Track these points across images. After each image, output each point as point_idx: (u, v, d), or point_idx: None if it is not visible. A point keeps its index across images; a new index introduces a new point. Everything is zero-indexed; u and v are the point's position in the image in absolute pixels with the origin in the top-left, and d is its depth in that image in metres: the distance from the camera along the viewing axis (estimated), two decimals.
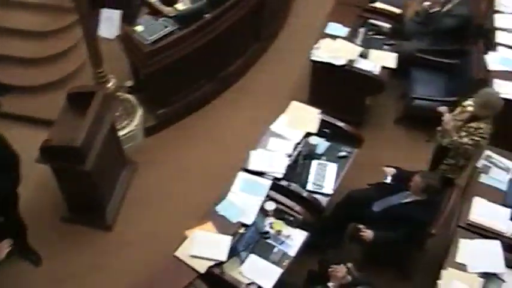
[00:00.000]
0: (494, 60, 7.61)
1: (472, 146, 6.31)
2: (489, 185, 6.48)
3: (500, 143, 6.79)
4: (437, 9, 8.15)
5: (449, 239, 6.22)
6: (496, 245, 6.00)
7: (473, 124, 6.29)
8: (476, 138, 6.26)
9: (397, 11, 8.05)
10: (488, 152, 6.66)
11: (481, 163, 6.59)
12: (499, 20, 8.10)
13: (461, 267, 5.88)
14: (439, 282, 5.76)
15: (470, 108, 6.38)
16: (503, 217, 6.19)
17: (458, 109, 6.54)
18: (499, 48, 7.80)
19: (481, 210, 6.22)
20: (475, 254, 5.93)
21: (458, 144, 6.35)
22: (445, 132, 6.43)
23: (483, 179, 6.52)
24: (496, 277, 5.87)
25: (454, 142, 6.37)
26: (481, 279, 5.81)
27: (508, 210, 6.24)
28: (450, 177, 6.67)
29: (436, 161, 6.81)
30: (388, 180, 6.53)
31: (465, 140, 6.30)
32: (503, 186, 6.47)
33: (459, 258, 5.94)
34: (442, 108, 6.48)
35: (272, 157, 6.39)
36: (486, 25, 8.27)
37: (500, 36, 7.93)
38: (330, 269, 5.63)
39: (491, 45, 7.83)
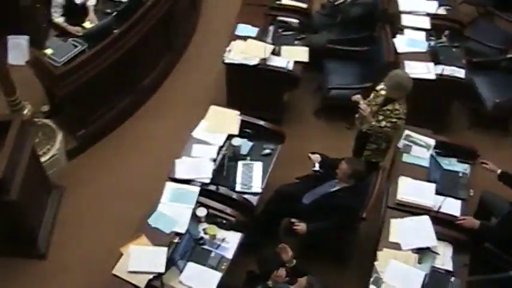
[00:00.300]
0: (402, 43, 7.85)
1: (391, 128, 6.48)
2: (412, 163, 6.68)
3: (416, 121, 6.99)
4: (342, 0, 8.29)
5: (381, 220, 6.38)
6: (425, 220, 6.18)
7: (388, 107, 6.46)
8: (394, 120, 6.44)
9: (304, 5, 8.19)
10: (407, 132, 6.85)
11: (401, 143, 6.78)
12: (403, 4, 8.33)
13: (395, 246, 6.05)
14: (375, 263, 5.90)
15: (383, 92, 6.55)
16: (428, 192, 6.37)
17: (372, 94, 6.70)
18: (406, 31, 8.05)
19: (407, 189, 6.39)
20: (407, 232, 6.10)
21: (377, 128, 6.51)
22: (363, 118, 6.58)
23: (405, 158, 6.72)
24: (430, 250, 6.05)
25: (373, 127, 6.53)
26: (416, 255, 5.99)
27: (433, 185, 6.43)
28: (375, 161, 6.83)
29: (358, 147, 6.97)
30: (317, 167, 6.59)
31: (383, 123, 6.46)
32: (426, 163, 6.67)
33: (392, 238, 6.10)
34: (355, 97, 6.63)
35: (197, 163, 6.40)
36: (391, 10, 8.49)
37: (405, 19, 8.18)
38: (272, 275, 5.67)
39: (398, 29, 8.05)
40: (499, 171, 6.54)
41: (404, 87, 6.37)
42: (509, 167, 7.75)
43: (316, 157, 6.63)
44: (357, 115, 6.70)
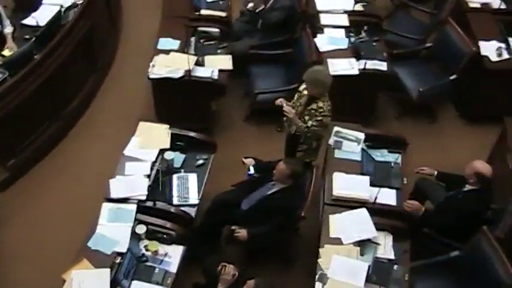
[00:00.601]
0: (323, 42, 7.96)
1: (318, 127, 6.56)
2: (344, 159, 6.77)
3: (344, 117, 7.10)
4: (262, 7, 8.34)
5: (320, 217, 6.45)
6: (363, 213, 6.27)
7: (312, 106, 6.53)
8: (319, 118, 6.51)
9: (223, 14, 8.21)
10: (336, 128, 6.93)
11: (332, 140, 6.86)
12: (320, 3, 8.44)
13: (337, 241, 6.11)
14: (319, 260, 5.95)
15: (306, 92, 6.63)
16: (363, 185, 6.47)
17: (296, 95, 6.77)
18: (326, 29, 8.17)
19: (342, 184, 6.47)
20: (346, 226, 6.18)
21: (304, 128, 6.58)
22: (290, 121, 6.65)
23: (338, 154, 6.80)
24: (371, 242, 6.14)
25: (301, 128, 6.60)
26: (358, 248, 6.07)
27: (366, 177, 6.54)
28: (308, 161, 6.90)
29: (290, 149, 7.03)
30: (252, 170, 6.64)
31: (310, 123, 6.54)
32: (358, 157, 6.77)
33: (333, 234, 6.16)
34: (278, 101, 6.70)
35: (132, 181, 6.34)
36: (309, 10, 8.61)
37: (324, 19, 8.29)
38: (219, 273, 5.70)
39: (318, 28, 8.16)
40: (435, 172, 6.75)
41: (322, 82, 6.45)
42: (437, 153, 8.06)
43: (250, 161, 6.67)
44: (284, 118, 6.76)
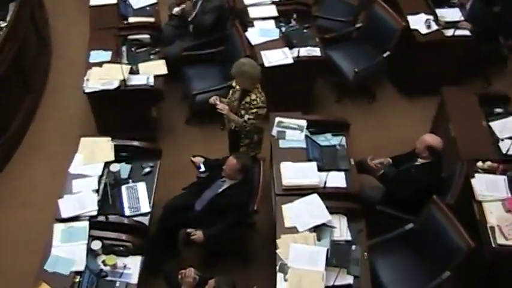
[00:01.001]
0: (254, 35, 7.97)
1: (255, 119, 6.60)
2: (290, 148, 6.79)
3: (284, 106, 7.15)
4: (194, 14, 8.29)
5: (273, 209, 6.48)
6: (315, 199, 6.33)
7: (246, 99, 6.58)
8: (254, 111, 6.56)
9: (151, 19, 8.14)
10: (278, 119, 6.95)
11: (275, 131, 6.88)
12: None
13: (293, 230, 6.15)
14: (277, 251, 5.98)
15: (238, 87, 6.67)
16: (311, 171, 6.51)
17: (230, 91, 6.81)
18: (255, 22, 8.17)
19: (291, 173, 6.50)
20: (300, 214, 6.22)
21: (242, 123, 6.62)
22: (228, 114, 6.68)
23: (282, 144, 6.82)
24: (326, 226, 6.20)
25: (238, 123, 6.64)
26: (314, 234, 6.12)
27: (313, 163, 6.58)
28: (253, 155, 6.93)
29: (233, 145, 7.06)
30: (202, 168, 6.63)
31: (246, 116, 6.58)
32: (302, 144, 6.80)
33: (288, 223, 6.20)
34: (212, 100, 6.74)
35: (81, 198, 6.25)
36: (237, 6, 8.61)
37: (252, 12, 8.28)
38: (179, 277, 5.68)
39: (248, 22, 8.17)
40: (389, 160, 6.83)
41: (249, 74, 6.49)
42: (380, 130, 8.18)
43: (199, 159, 6.69)
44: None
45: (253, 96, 6.54)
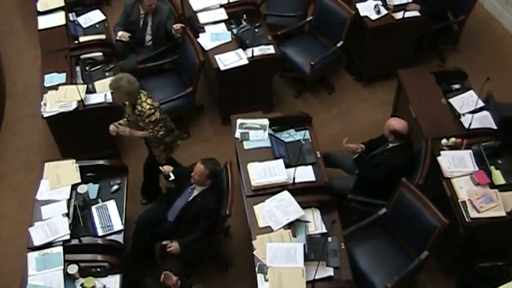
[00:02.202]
0: (206, 40, 7.93)
1: (155, 125, 6.62)
2: (255, 148, 6.78)
3: (244, 107, 7.18)
4: (150, 38, 8.27)
5: (246, 211, 6.45)
6: (285, 195, 6.33)
7: (136, 111, 6.63)
8: (147, 121, 6.59)
9: (102, 37, 8.08)
10: (240, 121, 6.93)
11: (238, 133, 6.86)
12: (194, 4, 8.40)
13: (267, 229, 6.16)
14: (254, 253, 5.98)
15: (126, 102, 6.73)
16: (279, 169, 6.51)
17: (125, 109, 6.85)
18: (206, 27, 8.14)
19: (259, 173, 6.49)
20: (273, 212, 6.23)
21: (150, 134, 6.68)
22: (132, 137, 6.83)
23: (247, 145, 6.81)
24: (300, 221, 6.20)
25: (147, 136, 6.73)
26: (288, 230, 6.14)
27: (280, 160, 6.57)
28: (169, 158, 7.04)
29: (149, 156, 7.12)
30: (172, 176, 6.58)
31: (147, 127, 6.65)
32: (267, 143, 6.79)
33: (261, 223, 6.20)
34: (112, 129, 6.72)
35: (51, 224, 6.17)
36: (186, 13, 8.61)
37: (202, 17, 8.25)
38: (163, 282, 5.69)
39: (199, 28, 8.15)
40: (362, 146, 6.84)
41: (125, 88, 6.47)
42: (342, 119, 8.24)
43: (167, 167, 6.62)
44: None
45: (139, 108, 6.58)
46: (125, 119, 6.83)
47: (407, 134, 6.53)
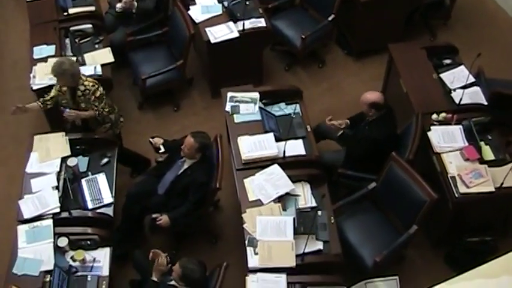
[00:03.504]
0: (197, 13, 7.87)
1: (101, 102, 6.63)
2: (245, 122, 6.79)
3: (234, 81, 7.18)
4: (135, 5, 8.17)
5: (236, 184, 6.46)
6: (275, 169, 6.35)
7: (78, 93, 6.59)
8: (93, 98, 6.58)
9: (92, 8, 7.98)
10: (230, 94, 6.92)
11: (228, 106, 6.85)
12: None
13: (257, 203, 6.18)
14: (244, 226, 6.01)
15: (64, 88, 6.65)
16: (269, 142, 6.52)
17: (60, 98, 6.74)
18: (197, 0, 8.06)
19: (249, 146, 6.50)
20: (262, 186, 6.25)
21: (96, 114, 6.66)
22: (79, 119, 6.80)
23: (237, 118, 6.80)
24: (290, 195, 6.23)
25: (92, 116, 6.68)
26: (278, 204, 6.16)
27: (270, 134, 6.58)
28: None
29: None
30: (162, 149, 6.59)
31: (94, 106, 6.62)
32: (257, 116, 6.79)
33: (251, 197, 6.23)
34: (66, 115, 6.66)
35: (41, 197, 6.17)
36: None
37: None
38: (154, 267, 5.70)
39: (190, 0, 8.07)
40: (347, 121, 6.88)
41: (70, 70, 6.41)
42: (333, 94, 8.23)
43: (158, 140, 6.63)
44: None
45: (82, 87, 6.55)
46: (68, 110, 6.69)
47: (386, 104, 6.55)
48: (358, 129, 6.74)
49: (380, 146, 6.42)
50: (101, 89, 6.58)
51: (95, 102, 6.55)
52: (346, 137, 6.77)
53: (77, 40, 7.74)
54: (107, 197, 6.29)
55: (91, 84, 6.54)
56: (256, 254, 5.82)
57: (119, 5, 8.11)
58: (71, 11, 7.97)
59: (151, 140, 6.65)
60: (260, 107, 6.84)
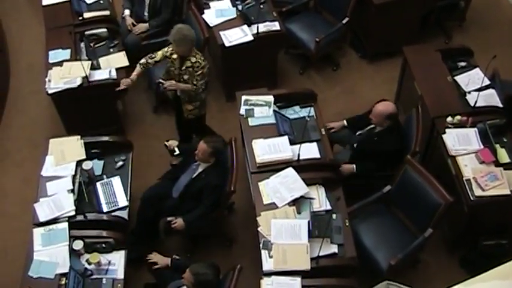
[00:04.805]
0: (211, 17, 7.89)
1: (203, 79, 6.77)
2: (259, 125, 6.77)
3: (249, 84, 7.20)
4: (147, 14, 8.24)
5: (251, 188, 6.47)
6: (290, 172, 6.32)
7: (187, 64, 6.71)
8: (199, 72, 6.74)
9: (106, 13, 8.03)
10: (245, 97, 6.93)
11: (243, 110, 6.85)
12: None
13: (272, 206, 6.16)
14: (259, 229, 6.00)
15: (175, 56, 6.79)
16: (284, 146, 6.50)
17: (168, 64, 6.95)
18: (211, 4, 8.07)
19: (263, 150, 6.48)
20: (277, 189, 6.22)
21: (193, 88, 6.77)
22: (177, 90, 6.93)
23: (252, 122, 6.79)
24: (304, 198, 6.21)
25: (189, 89, 6.79)
26: (293, 207, 6.14)
27: (285, 137, 6.56)
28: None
29: (179, 111, 7.23)
30: (177, 151, 6.65)
31: (195, 81, 6.74)
32: (272, 120, 6.77)
33: (266, 200, 6.21)
34: (161, 85, 6.88)
35: (56, 200, 6.20)
36: None
37: None
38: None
39: (204, 4, 8.09)
40: (344, 122, 6.91)
41: (189, 37, 6.61)
42: (347, 97, 8.22)
43: (173, 142, 6.72)
44: (178, 93, 6.98)
45: (193, 59, 6.68)
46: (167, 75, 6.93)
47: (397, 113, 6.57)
48: (365, 142, 6.72)
49: (395, 155, 6.42)
50: (208, 66, 6.76)
51: (198, 77, 6.69)
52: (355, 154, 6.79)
53: (91, 44, 7.78)
54: (122, 200, 6.31)
55: (202, 58, 6.71)
56: (270, 257, 5.80)
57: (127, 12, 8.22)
58: (86, 15, 8.00)
59: (166, 143, 6.68)
60: (274, 110, 6.83)
